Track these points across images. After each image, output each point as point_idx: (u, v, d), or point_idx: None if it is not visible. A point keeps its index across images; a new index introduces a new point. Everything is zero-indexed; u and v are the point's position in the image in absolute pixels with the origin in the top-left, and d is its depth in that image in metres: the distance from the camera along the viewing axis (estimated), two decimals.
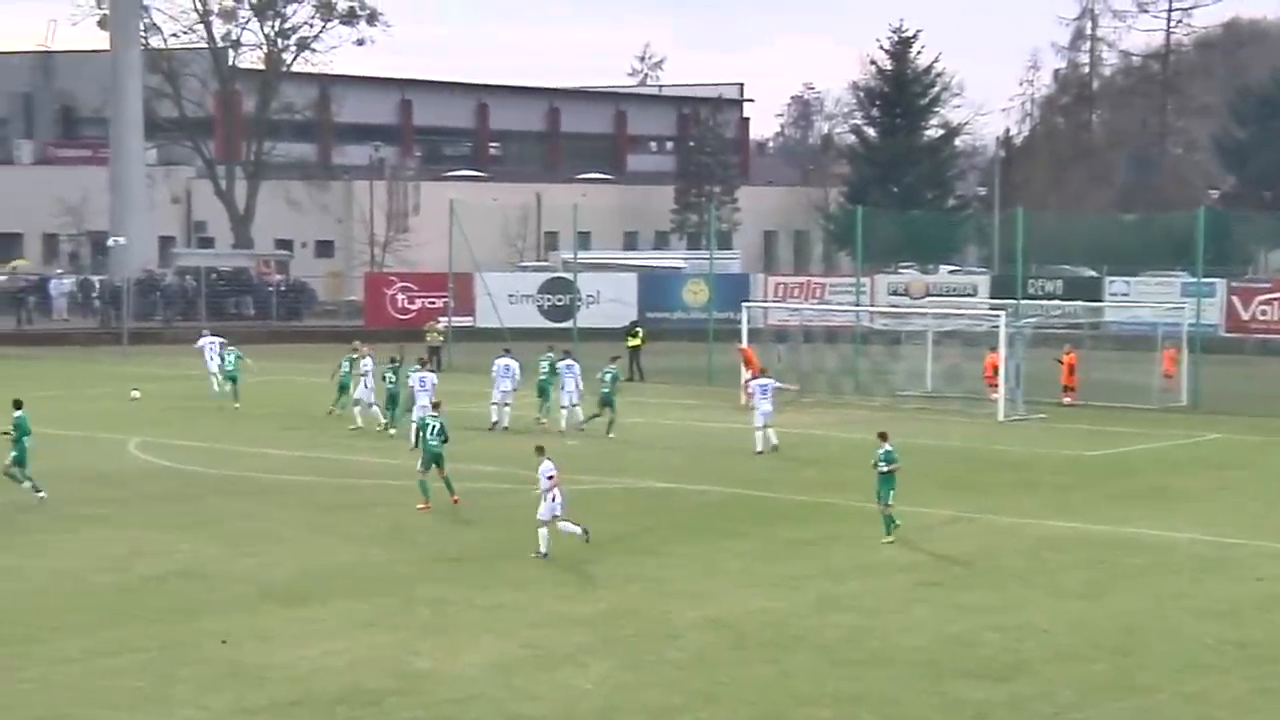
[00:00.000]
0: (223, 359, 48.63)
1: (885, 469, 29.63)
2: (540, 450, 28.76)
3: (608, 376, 43.03)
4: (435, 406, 33.63)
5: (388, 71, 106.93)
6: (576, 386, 43.42)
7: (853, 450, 40.69)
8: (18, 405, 33.23)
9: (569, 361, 44.23)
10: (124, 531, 29.82)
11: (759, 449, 39.95)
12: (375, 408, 43.03)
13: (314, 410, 46.31)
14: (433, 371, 43.43)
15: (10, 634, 22.80)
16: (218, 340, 51.54)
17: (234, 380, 47.75)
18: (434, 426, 32.02)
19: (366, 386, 43.28)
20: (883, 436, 30.14)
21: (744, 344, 50.76)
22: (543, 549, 27.72)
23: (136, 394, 50.16)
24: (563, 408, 43.32)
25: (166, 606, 24.39)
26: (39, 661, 21.44)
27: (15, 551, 28.04)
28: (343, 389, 44.91)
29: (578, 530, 28.20)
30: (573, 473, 36.44)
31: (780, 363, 51.87)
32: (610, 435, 42.19)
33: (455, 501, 32.22)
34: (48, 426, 43.60)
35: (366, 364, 43.70)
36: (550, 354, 44.82)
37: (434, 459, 32.06)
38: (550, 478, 27.97)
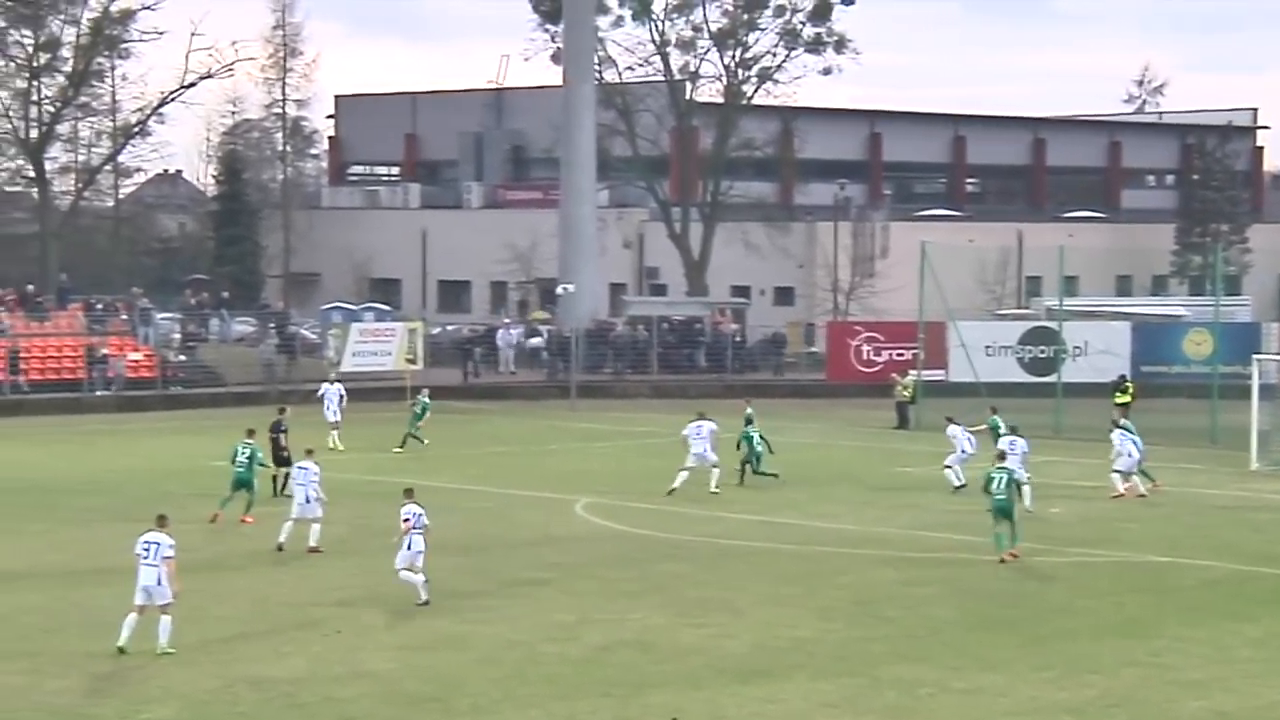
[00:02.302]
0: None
1: None
2: (408, 493, 30.20)
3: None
4: (1001, 456, 35.91)
5: (855, 103, 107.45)
6: (972, 447, 44.31)
7: None
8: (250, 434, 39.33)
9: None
10: (572, 598, 30.68)
11: None
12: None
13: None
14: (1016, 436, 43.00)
15: (457, 705, 23.73)
16: (339, 388, 54.38)
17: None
18: (1000, 480, 34.11)
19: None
20: None
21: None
22: (424, 596, 29.44)
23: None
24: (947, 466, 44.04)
25: (615, 679, 24.98)
26: None
27: (463, 618, 29.14)
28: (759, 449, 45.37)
29: (419, 580, 29.46)
30: (1057, 544, 35.98)
31: None
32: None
33: (1007, 558, 33.59)
34: (495, 485, 45.41)
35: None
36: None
37: (1001, 511, 33.96)
38: (406, 520, 29.46)
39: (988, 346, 69.47)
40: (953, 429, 44.59)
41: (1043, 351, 68.91)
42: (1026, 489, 39.23)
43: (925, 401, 60.15)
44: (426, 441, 52.39)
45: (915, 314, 65.08)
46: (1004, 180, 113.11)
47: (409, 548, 29.59)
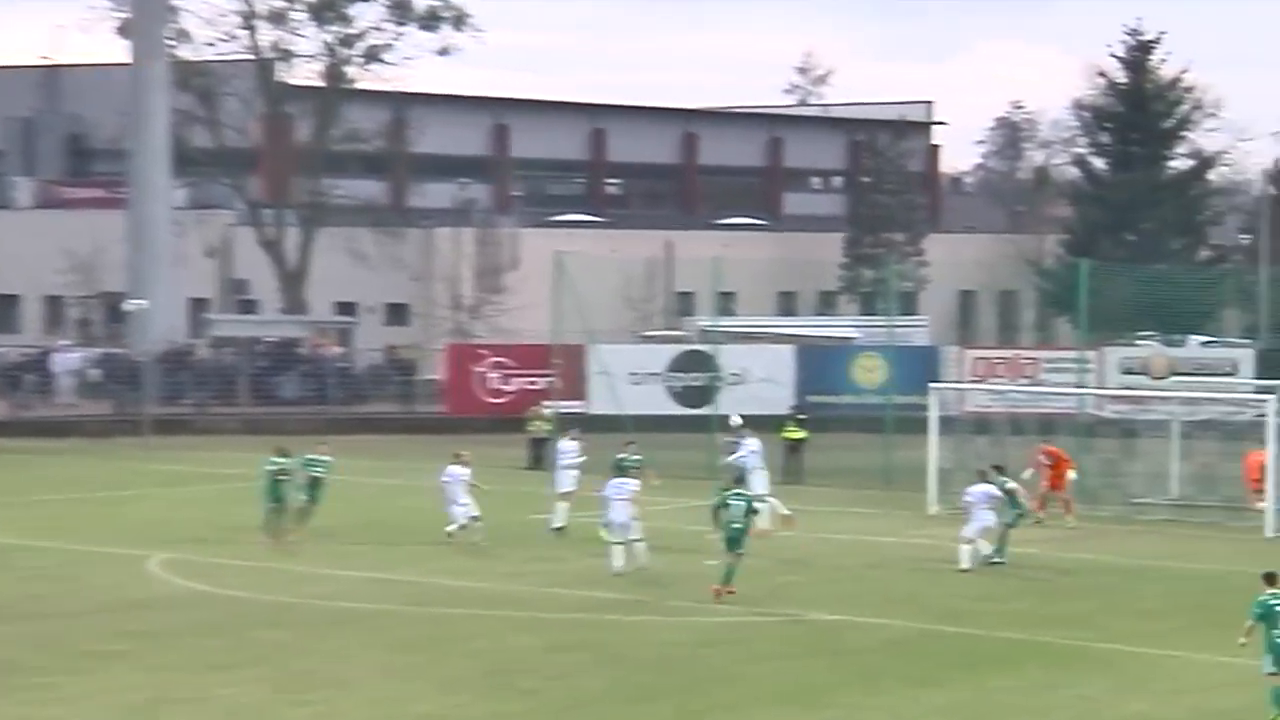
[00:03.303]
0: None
1: None
2: None
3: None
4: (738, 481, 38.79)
5: (479, 90, 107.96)
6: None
7: (1077, 573, 40.63)
8: None
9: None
10: (149, 673, 30.31)
11: (965, 566, 41.01)
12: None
13: (387, 520, 46.79)
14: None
15: None
16: None
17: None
18: (738, 506, 36.86)
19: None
20: (1270, 579, 27.49)
21: (1046, 445, 50.88)
22: None
23: None
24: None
25: None
26: None
27: (16, 698, 28.55)
28: (276, 498, 44.15)
29: None
30: (713, 601, 36.64)
31: (980, 461, 51.83)
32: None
33: (723, 592, 36.13)
34: (55, 540, 44.54)
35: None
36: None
37: (732, 541, 36.67)
38: None
39: (633, 374, 70.46)
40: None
41: (696, 379, 70.12)
42: (641, 547, 40.02)
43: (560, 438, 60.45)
44: None
45: (550, 336, 65.59)
46: (651, 181, 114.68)
47: None
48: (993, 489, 42.26)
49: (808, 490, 54.63)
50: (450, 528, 43.41)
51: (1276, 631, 27.05)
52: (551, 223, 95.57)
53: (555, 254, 64.33)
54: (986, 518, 41.45)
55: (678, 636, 33.78)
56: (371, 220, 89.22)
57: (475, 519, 43.53)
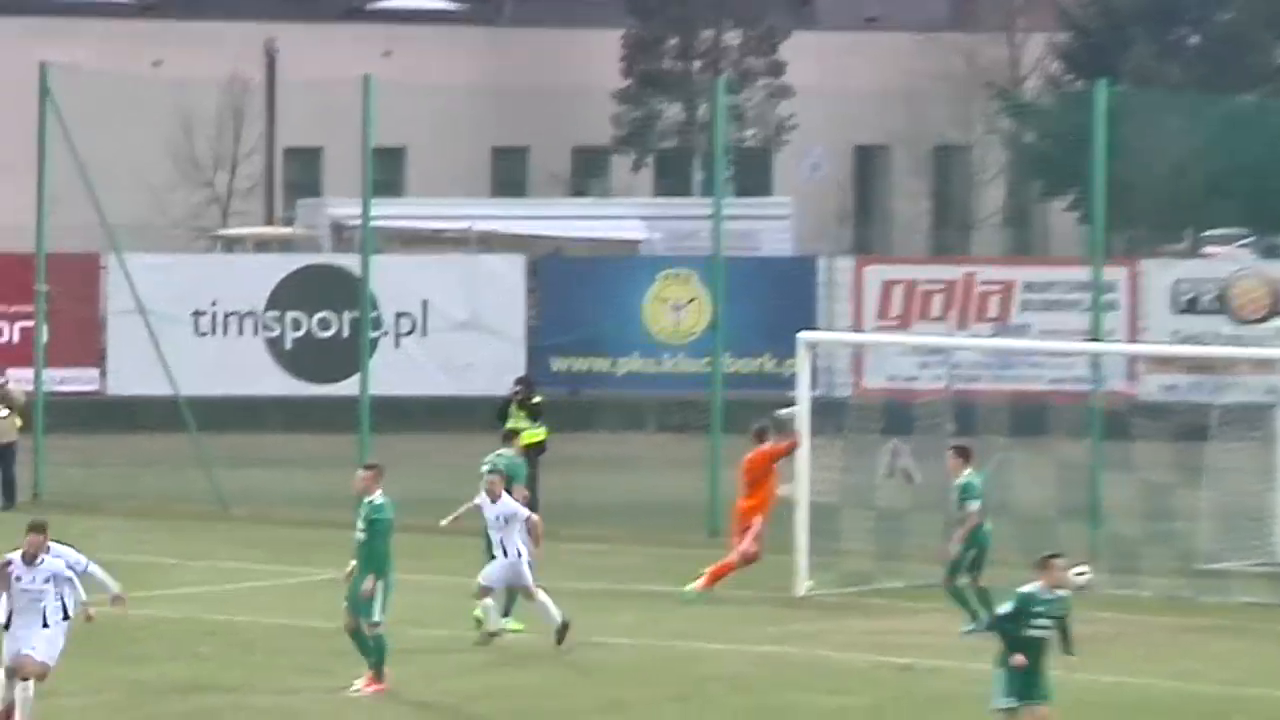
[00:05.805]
0: None
1: None
2: None
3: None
4: None
5: None
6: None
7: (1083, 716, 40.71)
8: None
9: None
10: None
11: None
12: None
13: None
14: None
15: None
16: None
17: None
18: None
19: None
20: None
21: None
22: None
23: None
24: None
25: None
26: None
27: None
28: None
29: None
30: None
31: (909, 481, 52.07)
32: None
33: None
34: None
35: None
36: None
37: None
38: None
39: (199, 313, 70.18)
40: None
41: (326, 323, 70.06)
42: None
43: (50, 442, 60.40)
44: None
45: (29, 239, 65.13)
46: None
47: None
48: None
49: (554, 545, 54.63)
50: None
51: None
52: (36, 8, 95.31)
53: (40, 67, 63.93)
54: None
55: None
56: None
57: None
